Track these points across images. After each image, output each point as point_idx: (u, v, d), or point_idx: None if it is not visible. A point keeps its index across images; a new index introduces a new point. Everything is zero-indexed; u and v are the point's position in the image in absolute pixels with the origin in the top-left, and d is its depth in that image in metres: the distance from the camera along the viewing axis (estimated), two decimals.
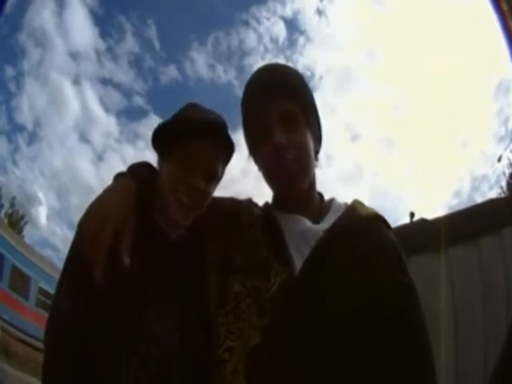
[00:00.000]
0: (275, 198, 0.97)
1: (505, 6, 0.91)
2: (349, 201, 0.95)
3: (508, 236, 2.67)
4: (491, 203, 3.02)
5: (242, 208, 0.98)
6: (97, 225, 0.81)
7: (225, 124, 0.95)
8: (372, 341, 0.77)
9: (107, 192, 0.89)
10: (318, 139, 0.94)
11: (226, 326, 0.83)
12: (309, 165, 0.89)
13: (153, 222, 0.92)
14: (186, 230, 0.95)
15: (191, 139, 0.89)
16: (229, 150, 0.96)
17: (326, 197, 0.98)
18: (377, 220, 0.91)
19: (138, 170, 0.96)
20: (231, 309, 0.84)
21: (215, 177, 0.94)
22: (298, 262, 0.83)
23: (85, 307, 0.81)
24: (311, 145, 0.89)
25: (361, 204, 0.94)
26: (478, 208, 2.96)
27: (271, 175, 0.91)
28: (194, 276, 0.92)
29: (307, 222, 0.88)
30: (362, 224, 0.88)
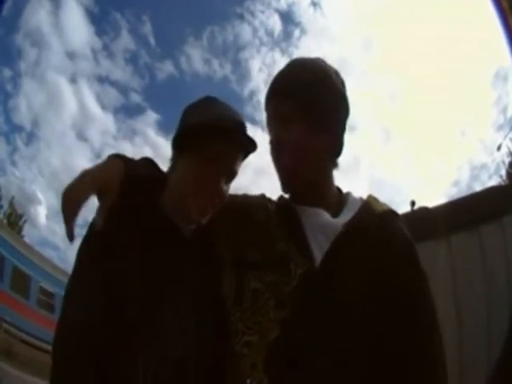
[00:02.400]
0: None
1: (505, 4, 0.91)
2: (356, 193, 0.98)
3: (508, 223, 2.68)
4: (491, 191, 3.03)
5: (254, 204, 0.99)
6: (76, 189, 0.80)
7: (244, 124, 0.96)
8: (386, 335, 0.79)
9: (92, 167, 0.87)
10: (330, 136, 0.92)
11: (243, 322, 0.85)
12: (303, 161, 0.91)
13: (167, 219, 0.91)
14: (197, 226, 0.94)
15: (218, 141, 0.89)
16: (250, 151, 0.96)
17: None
18: (391, 216, 0.93)
19: (136, 162, 0.95)
20: (249, 305, 0.86)
21: (235, 177, 0.95)
22: (318, 255, 0.85)
23: (99, 305, 0.79)
24: (309, 142, 0.90)
25: (375, 200, 0.96)
26: (478, 196, 2.98)
27: (276, 171, 0.95)
28: (208, 272, 0.92)
29: (326, 216, 0.90)
30: (377, 220, 0.90)
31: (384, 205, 0.95)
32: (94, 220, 0.83)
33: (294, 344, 0.80)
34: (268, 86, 0.96)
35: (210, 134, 0.89)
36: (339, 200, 0.95)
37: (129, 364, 0.79)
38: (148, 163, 0.98)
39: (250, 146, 0.93)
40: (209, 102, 0.97)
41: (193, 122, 0.92)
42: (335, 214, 0.91)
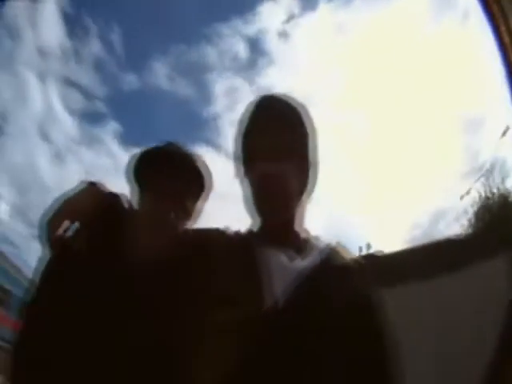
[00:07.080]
0: (259, 227, 0.98)
1: (506, 39, 0.90)
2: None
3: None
4: (449, 241, 2.96)
5: (211, 240, 0.99)
6: (55, 221, 0.93)
7: (197, 159, 0.99)
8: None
9: (73, 194, 0.98)
10: (306, 174, 0.96)
11: (204, 358, 0.83)
12: (291, 197, 0.93)
13: (123, 252, 0.95)
14: (155, 261, 0.94)
15: (164, 176, 0.95)
16: (198, 185, 0.99)
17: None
18: (355, 269, 0.94)
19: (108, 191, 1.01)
20: (209, 342, 0.84)
21: (188, 212, 0.98)
22: (276, 296, 0.84)
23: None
24: (296, 178, 0.92)
25: (343, 249, 0.97)
26: (434, 245, 2.89)
27: (257, 201, 0.94)
28: (162, 308, 0.89)
29: (286, 258, 0.90)
30: (339, 271, 0.91)
31: (351, 256, 0.96)
32: (72, 241, 0.93)
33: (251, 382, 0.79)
34: (254, 114, 0.96)
35: (155, 168, 0.96)
36: (305, 241, 0.95)
37: None
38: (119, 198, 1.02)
39: (193, 179, 0.97)
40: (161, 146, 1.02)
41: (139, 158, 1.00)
42: (299, 257, 0.91)
